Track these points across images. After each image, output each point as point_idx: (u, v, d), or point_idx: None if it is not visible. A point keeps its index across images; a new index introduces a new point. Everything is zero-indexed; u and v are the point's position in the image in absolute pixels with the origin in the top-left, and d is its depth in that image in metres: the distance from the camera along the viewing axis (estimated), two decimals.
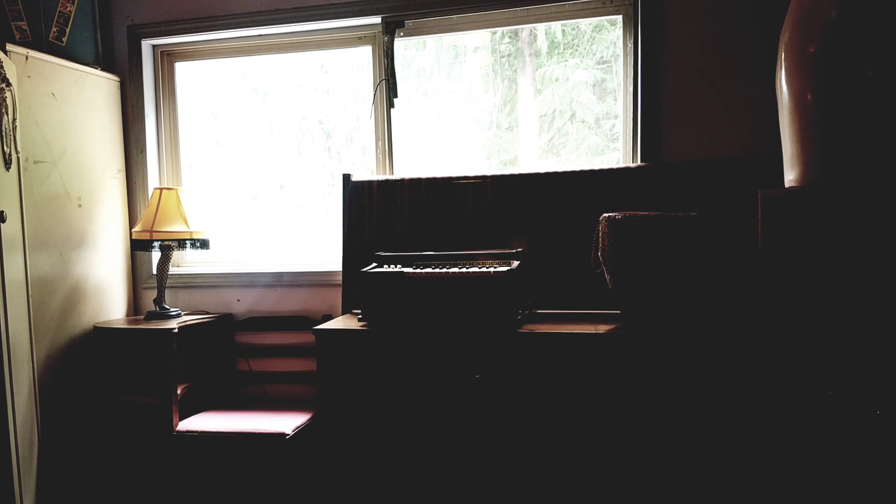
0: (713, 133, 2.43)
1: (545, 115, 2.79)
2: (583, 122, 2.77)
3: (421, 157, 2.94)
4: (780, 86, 2.02)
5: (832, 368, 1.92)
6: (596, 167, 2.48)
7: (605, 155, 2.66)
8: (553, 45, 2.85)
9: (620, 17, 2.56)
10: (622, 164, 2.49)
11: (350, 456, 2.26)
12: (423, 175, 2.66)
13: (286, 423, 2.50)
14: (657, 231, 2.04)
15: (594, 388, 2.04)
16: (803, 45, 1.93)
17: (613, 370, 2.03)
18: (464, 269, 2.21)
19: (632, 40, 2.54)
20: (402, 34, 2.77)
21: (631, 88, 2.55)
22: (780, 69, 2.02)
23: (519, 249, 2.38)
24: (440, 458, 2.17)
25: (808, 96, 1.94)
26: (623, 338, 2.03)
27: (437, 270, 2.23)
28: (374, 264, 2.44)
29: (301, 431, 2.50)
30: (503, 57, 2.84)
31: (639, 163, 2.49)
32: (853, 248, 1.96)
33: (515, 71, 2.83)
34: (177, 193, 2.82)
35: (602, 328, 2.12)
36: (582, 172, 2.49)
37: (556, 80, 2.81)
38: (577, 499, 2.07)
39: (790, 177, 2.02)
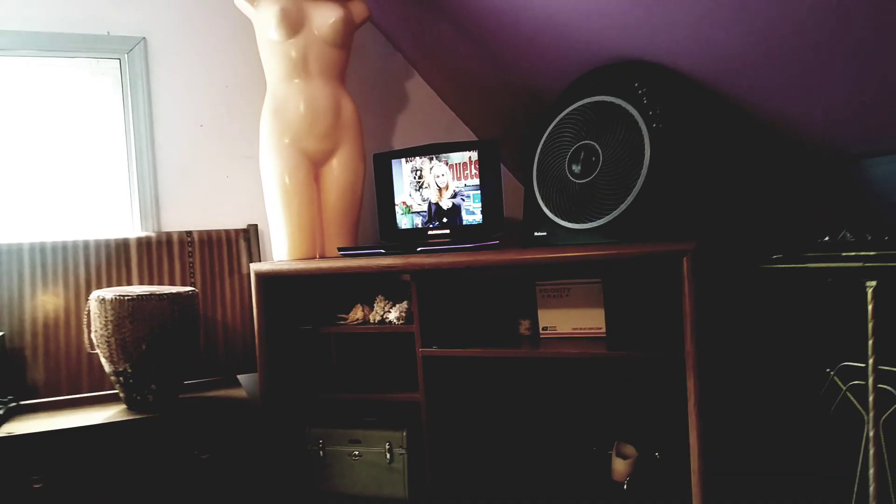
0: (215, 204, 2.50)
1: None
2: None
3: None
4: (263, 166, 2.23)
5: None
6: (92, 238, 2.28)
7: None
8: None
9: (110, 80, 2.42)
10: (121, 236, 2.34)
11: None
12: None
13: None
14: (145, 309, 1.96)
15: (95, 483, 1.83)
16: (280, 136, 2.18)
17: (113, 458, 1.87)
18: None
19: (127, 109, 2.43)
20: None
21: (125, 153, 2.43)
22: (260, 152, 2.23)
23: None
24: None
25: (286, 179, 2.20)
26: (119, 425, 1.89)
27: None
28: None
29: None
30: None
31: (139, 233, 2.39)
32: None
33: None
34: None
35: (102, 414, 1.94)
36: (76, 243, 2.25)
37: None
38: None
39: (280, 250, 2.24)
